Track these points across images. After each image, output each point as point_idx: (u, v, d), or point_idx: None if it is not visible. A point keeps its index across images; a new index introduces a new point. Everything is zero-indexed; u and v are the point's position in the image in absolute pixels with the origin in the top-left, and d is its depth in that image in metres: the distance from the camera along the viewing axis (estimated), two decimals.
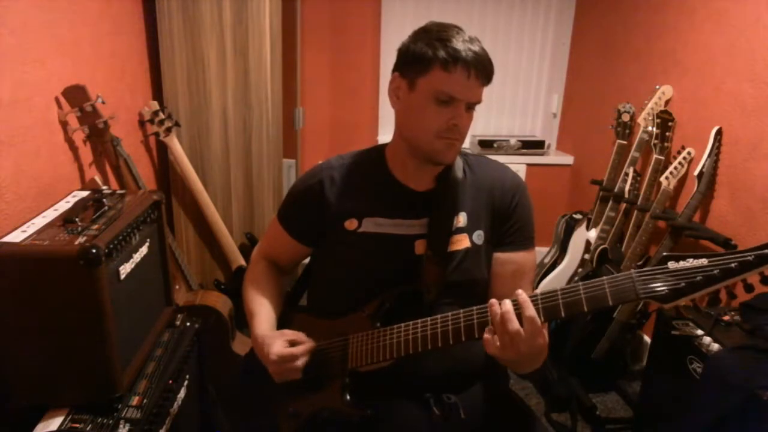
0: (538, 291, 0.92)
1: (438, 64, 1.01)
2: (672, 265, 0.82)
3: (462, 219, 1.14)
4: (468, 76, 1.01)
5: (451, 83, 1.01)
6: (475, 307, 0.97)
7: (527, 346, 0.89)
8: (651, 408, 1.84)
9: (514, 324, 0.88)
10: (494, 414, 1.17)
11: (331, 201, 1.16)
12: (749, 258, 0.77)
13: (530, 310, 0.88)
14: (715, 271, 0.79)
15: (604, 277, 0.86)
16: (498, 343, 0.90)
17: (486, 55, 1.03)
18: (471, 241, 1.14)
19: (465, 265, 1.13)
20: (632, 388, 2.27)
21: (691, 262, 0.81)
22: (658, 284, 0.82)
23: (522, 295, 0.90)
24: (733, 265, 0.78)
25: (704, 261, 0.80)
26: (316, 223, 1.19)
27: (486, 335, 0.92)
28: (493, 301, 0.92)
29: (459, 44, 1.00)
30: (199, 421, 1.59)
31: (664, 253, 0.85)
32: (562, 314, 0.88)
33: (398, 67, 1.09)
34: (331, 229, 1.16)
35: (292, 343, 1.09)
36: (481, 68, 1.01)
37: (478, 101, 1.06)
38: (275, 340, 1.09)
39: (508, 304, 0.90)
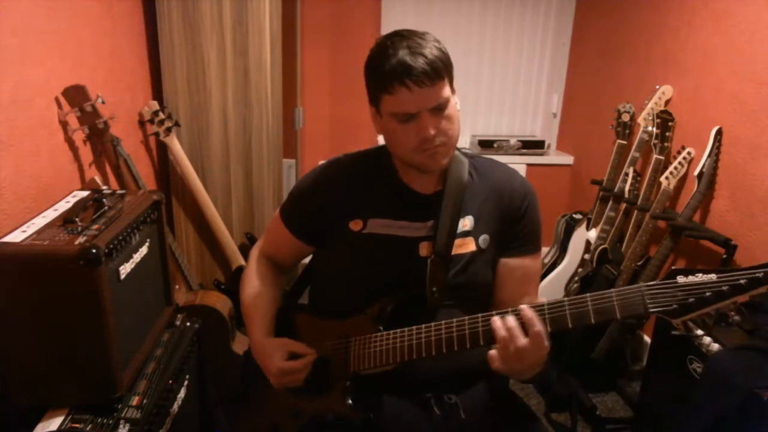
0: (544, 300, 0.92)
1: (381, 90, 1.01)
2: (681, 279, 0.82)
3: (468, 223, 1.14)
4: (411, 90, 0.97)
5: (399, 103, 1.00)
6: (480, 315, 0.97)
7: (533, 358, 0.90)
8: (651, 408, 1.84)
9: (521, 340, 0.89)
10: (494, 414, 1.17)
11: (337, 200, 1.15)
12: (758, 275, 0.78)
13: (538, 326, 0.88)
14: (724, 287, 0.79)
15: (613, 290, 0.86)
16: (502, 358, 0.91)
17: (426, 56, 0.97)
18: (477, 245, 1.13)
19: (470, 268, 1.13)
20: (632, 388, 2.27)
21: (700, 278, 0.81)
22: (668, 299, 0.82)
23: (527, 310, 0.90)
24: (742, 281, 0.78)
25: (713, 276, 0.80)
26: (320, 223, 1.18)
27: (491, 352, 0.92)
28: (495, 319, 0.92)
29: (392, 62, 0.98)
30: (199, 421, 1.59)
31: (673, 267, 0.85)
32: (569, 326, 0.89)
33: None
34: (335, 229, 1.16)
35: (293, 355, 1.09)
36: (421, 76, 0.96)
37: (441, 102, 1.00)
38: (276, 351, 1.09)
39: (512, 320, 0.91)
